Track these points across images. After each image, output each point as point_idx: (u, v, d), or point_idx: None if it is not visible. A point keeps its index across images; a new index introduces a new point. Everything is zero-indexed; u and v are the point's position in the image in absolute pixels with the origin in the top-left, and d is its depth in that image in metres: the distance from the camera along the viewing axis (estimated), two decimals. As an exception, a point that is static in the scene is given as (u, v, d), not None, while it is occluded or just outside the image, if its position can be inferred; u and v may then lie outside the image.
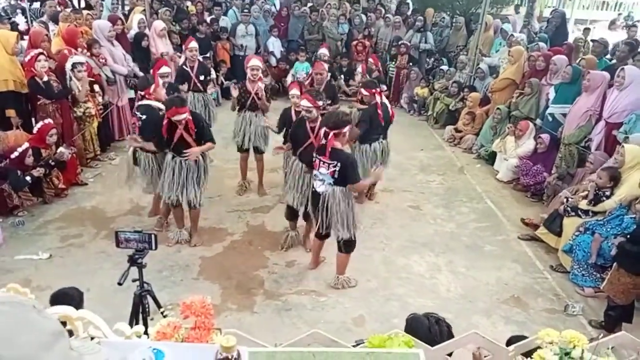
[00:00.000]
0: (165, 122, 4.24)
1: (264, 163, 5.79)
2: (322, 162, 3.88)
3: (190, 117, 4.29)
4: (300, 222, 4.80)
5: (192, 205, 4.58)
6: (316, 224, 4.17)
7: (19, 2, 10.24)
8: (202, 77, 6.19)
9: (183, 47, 5.62)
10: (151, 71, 5.62)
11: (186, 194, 4.48)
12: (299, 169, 4.48)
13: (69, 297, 2.58)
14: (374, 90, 5.21)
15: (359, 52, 8.94)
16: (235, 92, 5.38)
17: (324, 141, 3.85)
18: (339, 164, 3.80)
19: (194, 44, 6.15)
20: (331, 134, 3.78)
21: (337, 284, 4.27)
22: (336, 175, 3.84)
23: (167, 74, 5.44)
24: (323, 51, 7.12)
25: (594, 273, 4.29)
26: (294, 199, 4.52)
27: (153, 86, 4.86)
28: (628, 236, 3.81)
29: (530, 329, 3.70)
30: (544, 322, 3.87)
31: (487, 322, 3.92)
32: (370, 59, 6.91)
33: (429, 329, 1.87)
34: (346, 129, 3.87)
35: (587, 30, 9.95)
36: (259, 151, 5.64)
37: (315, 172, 3.98)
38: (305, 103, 4.32)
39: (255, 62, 5.37)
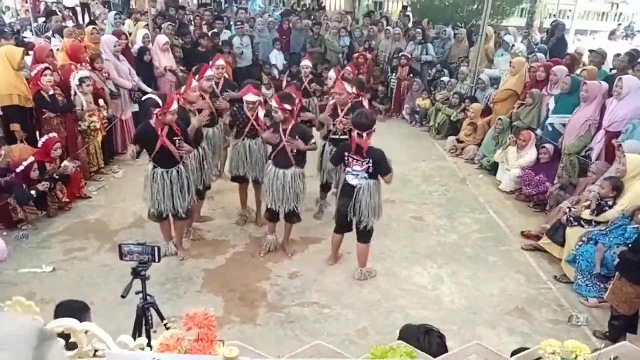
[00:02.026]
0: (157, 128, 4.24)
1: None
2: (356, 161, 4.13)
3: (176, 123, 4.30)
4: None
5: (177, 216, 4.55)
6: (338, 219, 4.42)
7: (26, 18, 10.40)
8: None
9: (210, 64, 5.52)
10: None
11: (172, 206, 4.43)
12: (274, 173, 4.52)
13: (74, 309, 2.59)
14: (361, 93, 5.44)
15: (360, 64, 9.00)
16: (227, 119, 5.10)
17: (359, 141, 4.07)
18: (372, 161, 4.09)
19: (221, 62, 5.83)
20: (365, 135, 4.02)
21: (361, 276, 4.47)
22: (371, 171, 4.13)
23: (212, 77, 5.27)
24: (305, 63, 6.53)
25: (598, 283, 4.27)
26: (273, 201, 4.58)
27: (184, 87, 4.91)
28: (630, 246, 3.80)
29: (535, 340, 3.67)
30: (549, 333, 3.84)
31: (491, 334, 3.90)
32: (348, 67, 6.78)
33: (417, 339, 1.86)
34: (375, 127, 4.14)
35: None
36: (258, 182, 5.14)
37: (348, 169, 4.21)
38: (272, 104, 4.43)
39: (250, 97, 4.80)
